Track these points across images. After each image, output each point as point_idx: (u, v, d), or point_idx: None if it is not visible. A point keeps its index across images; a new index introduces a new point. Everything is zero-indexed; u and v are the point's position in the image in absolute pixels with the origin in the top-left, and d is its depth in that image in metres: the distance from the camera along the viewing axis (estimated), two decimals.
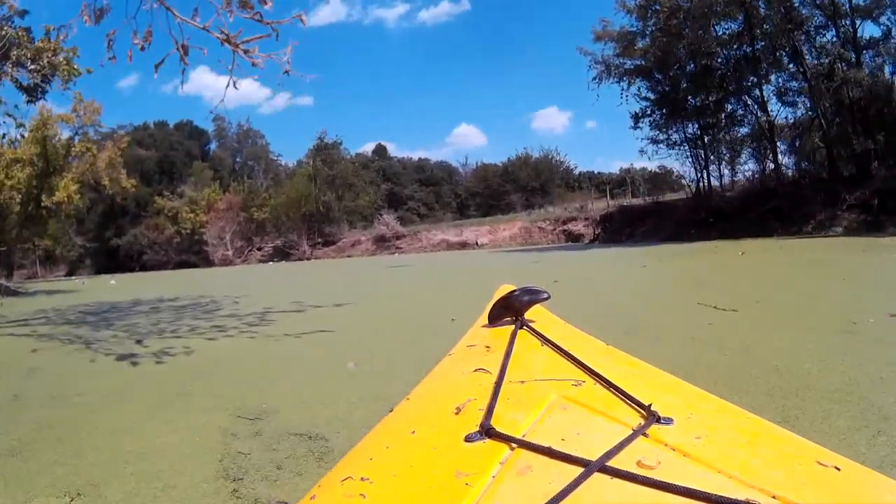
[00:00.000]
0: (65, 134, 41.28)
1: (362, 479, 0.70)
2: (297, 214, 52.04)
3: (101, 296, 16.89)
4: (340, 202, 53.21)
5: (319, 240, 51.65)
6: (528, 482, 0.62)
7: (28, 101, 20.83)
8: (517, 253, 27.24)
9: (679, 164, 33.64)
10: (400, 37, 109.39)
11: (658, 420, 0.75)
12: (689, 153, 30.20)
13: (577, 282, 10.90)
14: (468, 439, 0.73)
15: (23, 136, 38.60)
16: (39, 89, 21.28)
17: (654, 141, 30.32)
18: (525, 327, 1.27)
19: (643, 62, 28.43)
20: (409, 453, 0.77)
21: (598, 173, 64.70)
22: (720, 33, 26.48)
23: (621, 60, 29.26)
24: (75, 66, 19.98)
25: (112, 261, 57.00)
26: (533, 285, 1.40)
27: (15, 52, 17.43)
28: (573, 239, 37.17)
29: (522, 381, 0.93)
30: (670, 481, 0.58)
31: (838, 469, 0.67)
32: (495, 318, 1.40)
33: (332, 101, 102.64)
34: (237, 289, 15.49)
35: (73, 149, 41.01)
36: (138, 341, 6.95)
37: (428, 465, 0.71)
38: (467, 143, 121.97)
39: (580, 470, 0.61)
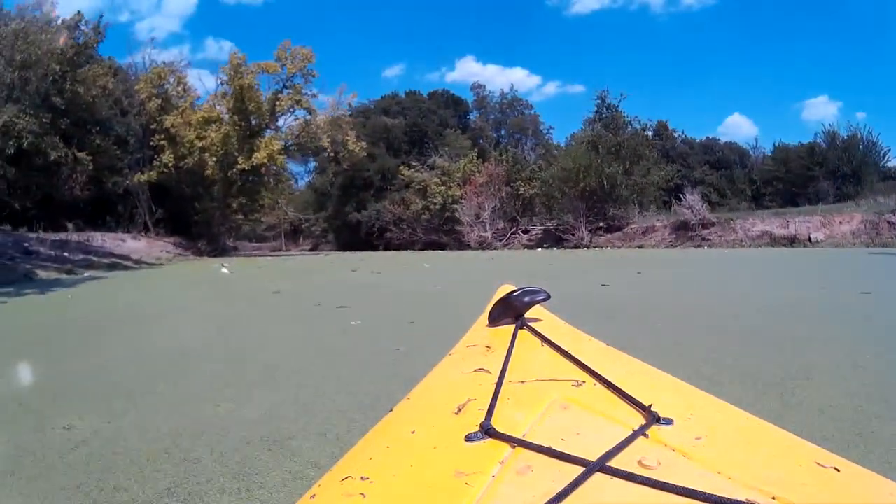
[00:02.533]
0: (269, 88, 36.33)
1: (362, 478, 0.71)
2: (575, 191, 40.94)
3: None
4: (629, 177, 41.32)
5: (601, 224, 41.46)
6: (528, 482, 0.63)
7: None
8: None
9: None
10: (666, 22, 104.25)
11: (658, 420, 0.75)
12: None
13: None
14: (468, 439, 0.73)
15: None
16: None
17: None
18: (525, 327, 1.28)
19: None
20: (409, 453, 0.78)
21: (884, 167, 52.58)
22: None
23: None
24: None
25: (355, 237, 51.80)
26: (532, 286, 1.40)
27: None
28: None
29: (523, 381, 0.93)
30: (670, 481, 0.59)
31: (837, 470, 0.67)
32: (496, 319, 1.40)
33: (603, 87, 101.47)
34: None
35: (279, 103, 35.77)
36: None
37: (428, 465, 0.72)
38: (738, 134, 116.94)
39: (580, 470, 0.62)
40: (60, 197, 28.66)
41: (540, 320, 1.38)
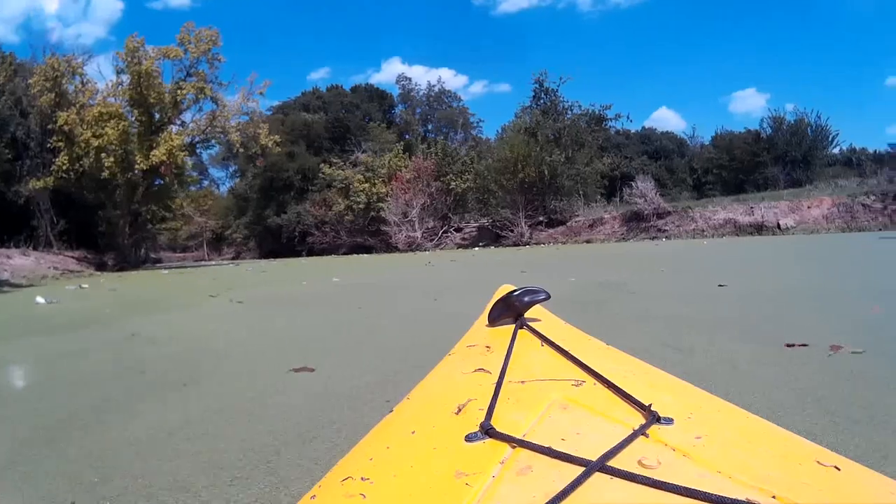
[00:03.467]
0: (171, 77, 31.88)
1: (362, 478, 0.71)
2: (512, 183, 37.43)
3: None
4: (571, 166, 37.91)
5: (542, 218, 38.11)
6: (529, 482, 0.63)
7: None
8: None
9: None
10: (594, 20, 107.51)
11: (658, 420, 0.75)
12: None
13: None
14: (468, 439, 0.73)
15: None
16: None
17: None
18: (525, 327, 1.28)
19: None
20: (410, 453, 0.78)
21: (830, 152, 50.39)
22: None
23: None
24: None
25: (277, 243, 48.58)
26: (533, 286, 1.40)
27: None
28: None
29: (523, 381, 0.93)
30: (670, 481, 0.59)
31: (838, 469, 0.67)
32: (495, 319, 1.40)
33: (529, 87, 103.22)
34: None
35: (181, 92, 31.33)
36: None
37: (428, 465, 0.72)
38: (667, 128, 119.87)
39: (580, 470, 0.62)
40: None
41: (540, 320, 1.38)
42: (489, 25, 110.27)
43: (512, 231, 37.59)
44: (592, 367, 0.95)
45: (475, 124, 64.68)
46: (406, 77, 68.14)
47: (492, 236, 38.99)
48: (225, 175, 61.15)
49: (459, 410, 0.84)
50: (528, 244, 35.33)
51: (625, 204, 37.61)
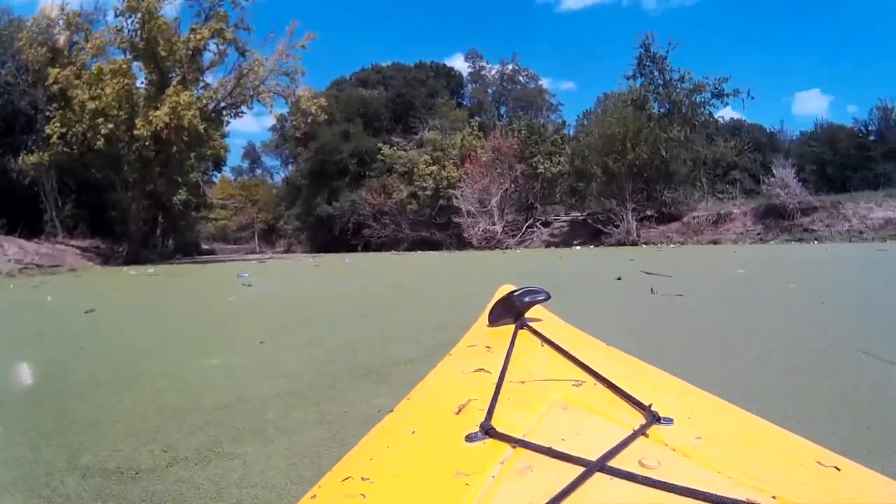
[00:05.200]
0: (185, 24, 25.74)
1: (363, 478, 0.71)
2: (620, 165, 30.31)
3: None
4: (689, 148, 31.29)
5: (651, 212, 31.35)
6: (529, 482, 0.63)
7: None
8: None
9: None
10: (659, 17, 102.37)
11: (658, 420, 0.75)
12: None
13: None
14: (468, 439, 0.73)
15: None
16: None
17: None
18: (525, 327, 1.27)
19: None
20: (410, 453, 0.78)
21: None
22: None
23: None
24: None
25: (330, 235, 41.90)
26: (533, 286, 1.39)
27: None
28: None
29: (523, 382, 0.93)
30: (671, 481, 0.59)
31: (838, 469, 0.67)
32: (496, 319, 1.39)
33: (594, 85, 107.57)
34: None
35: (194, 37, 24.50)
36: None
37: (428, 465, 0.72)
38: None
39: (580, 470, 0.62)
40: None
41: (540, 320, 1.37)
42: (553, 23, 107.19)
43: (616, 226, 30.61)
44: (592, 368, 0.95)
45: (555, 106, 57.36)
46: (477, 53, 59.13)
47: (589, 233, 32.18)
48: (279, 164, 58.48)
49: (459, 410, 0.84)
50: (636, 244, 28.71)
51: (757, 197, 31.28)
